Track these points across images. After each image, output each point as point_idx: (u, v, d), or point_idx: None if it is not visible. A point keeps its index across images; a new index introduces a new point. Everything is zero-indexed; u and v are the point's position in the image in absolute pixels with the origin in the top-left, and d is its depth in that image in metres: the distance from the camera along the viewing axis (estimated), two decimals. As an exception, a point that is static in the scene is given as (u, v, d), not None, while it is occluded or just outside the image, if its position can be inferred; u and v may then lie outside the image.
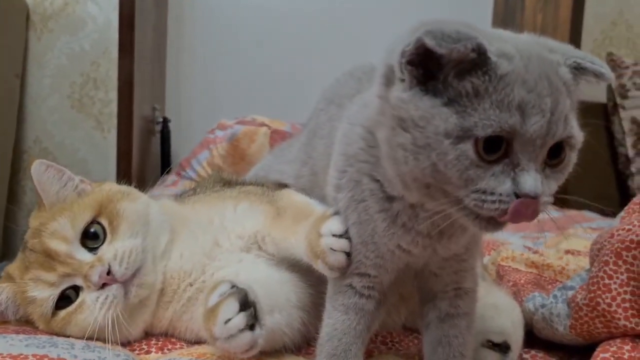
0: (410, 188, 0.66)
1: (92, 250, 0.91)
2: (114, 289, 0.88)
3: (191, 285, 0.95)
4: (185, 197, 1.12)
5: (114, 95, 2.65)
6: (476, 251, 0.83)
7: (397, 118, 0.63)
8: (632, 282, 0.80)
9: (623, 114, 2.69)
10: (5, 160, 2.39)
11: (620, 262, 0.81)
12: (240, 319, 0.78)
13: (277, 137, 2.59)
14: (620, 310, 0.80)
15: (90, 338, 0.87)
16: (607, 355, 0.79)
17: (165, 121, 3.02)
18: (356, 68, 0.95)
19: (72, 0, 2.62)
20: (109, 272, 0.88)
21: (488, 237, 1.50)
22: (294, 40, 3.16)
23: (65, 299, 0.90)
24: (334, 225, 0.76)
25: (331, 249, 0.76)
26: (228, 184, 1.15)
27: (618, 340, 0.81)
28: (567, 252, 1.34)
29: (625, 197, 2.64)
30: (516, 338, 0.92)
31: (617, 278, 0.81)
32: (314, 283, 0.93)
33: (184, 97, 3.23)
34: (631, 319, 0.80)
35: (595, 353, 0.80)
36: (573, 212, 2.12)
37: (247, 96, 3.13)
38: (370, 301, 0.78)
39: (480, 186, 0.61)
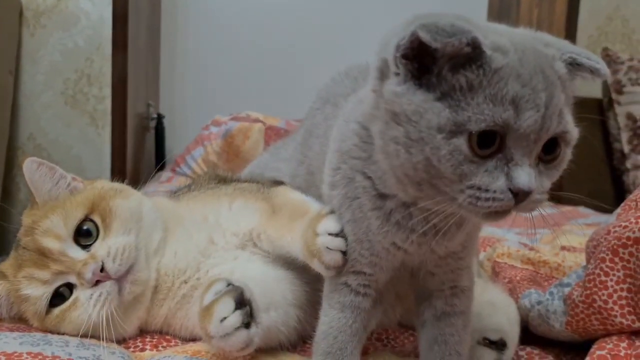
0: (403, 183, 0.66)
1: (85, 247, 0.91)
2: (107, 286, 0.88)
3: (185, 282, 0.95)
4: (180, 194, 1.12)
5: (108, 91, 2.64)
6: (473, 249, 0.83)
7: (390, 112, 0.63)
8: (628, 279, 0.80)
9: (618, 109, 2.69)
10: (-1, 158, 2.39)
11: (616, 259, 0.81)
12: (236, 318, 0.78)
13: (271, 133, 2.59)
14: (616, 308, 0.80)
15: (84, 335, 0.88)
16: (603, 352, 0.78)
17: (160, 117, 3.02)
18: (352, 67, 0.94)
19: (65, -4, 2.61)
20: (102, 269, 0.88)
21: (483, 233, 1.50)
22: (288, 36, 3.16)
23: (59, 297, 0.90)
24: (330, 224, 0.76)
25: (327, 248, 0.75)
26: (223, 181, 1.14)
27: (614, 338, 0.81)
28: (563, 248, 1.34)
29: (620, 193, 2.65)
30: (512, 335, 0.92)
31: (614, 275, 0.81)
32: (309, 281, 0.93)
33: (178, 93, 3.23)
34: (627, 316, 0.80)
35: (592, 350, 0.80)
36: (568, 208, 2.13)
37: (241, 92, 3.12)
38: (366, 299, 0.78)
39: (474, 182, 0.60)
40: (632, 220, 0.81)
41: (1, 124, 2.39)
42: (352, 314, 0.77)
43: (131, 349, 0.91)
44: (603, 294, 0.81)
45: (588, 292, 0.83)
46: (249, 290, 0.81)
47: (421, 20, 0.58)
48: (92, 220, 0.92)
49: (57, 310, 0.90)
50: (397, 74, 0.62)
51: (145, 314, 0.95)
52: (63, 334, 0.90)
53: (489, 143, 0.60)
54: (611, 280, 0.81)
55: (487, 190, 0.60)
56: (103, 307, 0.87)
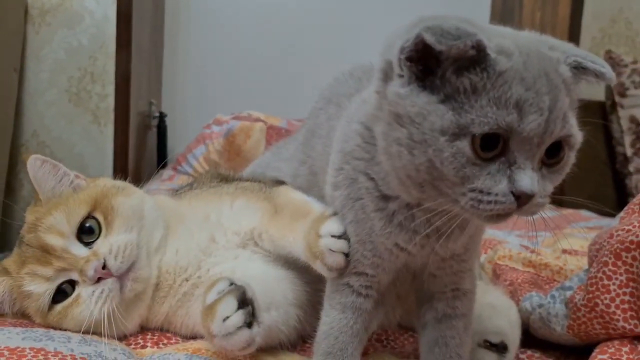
0: (406, 185, 0.66)
1: (87, 244, 0.91)
2: (109, 283, 0.88)
3: (187, 280, 0.95)
4: (181, 192, 1.12)
5: (111, 89, 2.64)
6: (475, 252, 0.83)
7: (393, 114, 0.63)
8: (631, 284, 0.80)
9: (621, 112, 2.68)
10: (3, 154, 2.38)
11: (619, 263, 0.81)
12: (239, 317, 0.78)
13: (273, 133, 2.59)
14: (619, 312, 0.80)
15: (86, 332, 0.88)
16: (604, 356, 0.78)
17: (162, 116, 3.02)
18: (356, 67, 0.94)
19: (70, -6, 2.61)
20: (104, 267, 0.88)
21: (484, 235, 1.50)
22: (290, 36, 3.15)
23: (61, 293, 0.90)
24: (333, 226, 0.76)
25: (330, 250, 0.75)
26: (225, 179, 1.14)
27: (616, 342, 0.80)
28: (565, 251, 1.33)
29: (622, 196, 2.64)
30: (513, 338, 0.92)
31: (616, 279, 0.81)
32: (310, 280, 0.93)
33: (180, 92, 3.23)
34: (630, 321, 0.79)
35: (593, 354, 0.80)
36: (569, 211, 2.12)
37: (243, 92, 3.12)
38: (368, 300, 0.78)
39: (477, 185, 0.60)
40: (636, 224, 0.81)
41: (5, 121, 2.40)
42: (353, 314, 0.77)
43: (132, 346, 0.92)
44: (605, 298, 0.81)
45: (590, 295, 0.83)
46: (251, 290, 0.81)
47: (426, 23, 0.58)
48: (94, 218, 0.93)
49: (59, 307, 0.90)
50: (401, 76, 0.62)
51: (146, 312, 0.95)
52: (65, 330, 0.90)
53: (492, 146, 0.60)
54: (614, 284, 0.81)
55: (489, 193, 0.60)
56: (105, 304, 0.87)
